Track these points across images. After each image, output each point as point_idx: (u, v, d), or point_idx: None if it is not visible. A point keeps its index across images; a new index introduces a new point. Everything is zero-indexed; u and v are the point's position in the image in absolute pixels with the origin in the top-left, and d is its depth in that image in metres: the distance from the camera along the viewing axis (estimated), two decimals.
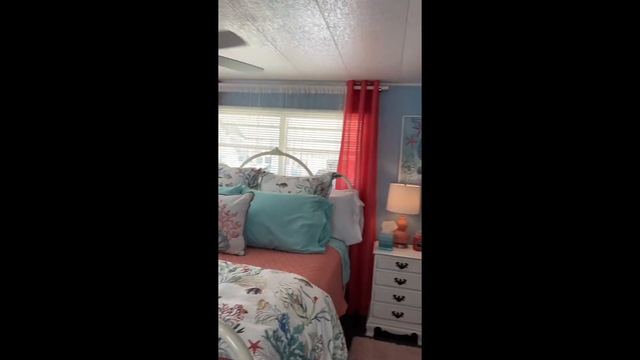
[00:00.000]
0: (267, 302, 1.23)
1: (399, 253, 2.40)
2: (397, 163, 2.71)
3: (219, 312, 1.14)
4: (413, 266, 2.35)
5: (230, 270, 1.53)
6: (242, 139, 3.15)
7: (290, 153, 2.94)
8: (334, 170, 2.84)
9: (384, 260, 2.39)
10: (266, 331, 1.07)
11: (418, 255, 2.38)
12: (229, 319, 1.10)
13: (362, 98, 2.60)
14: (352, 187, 2.68)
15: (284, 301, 1.28)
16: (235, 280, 1.42)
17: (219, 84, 2.99)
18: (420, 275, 2.34)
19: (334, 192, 2.58)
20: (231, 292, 1.29)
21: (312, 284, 1.52)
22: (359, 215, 2.56)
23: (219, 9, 1.60)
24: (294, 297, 1.35)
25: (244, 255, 1.96)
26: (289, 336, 1.15)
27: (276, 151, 2.87)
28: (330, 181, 2.48)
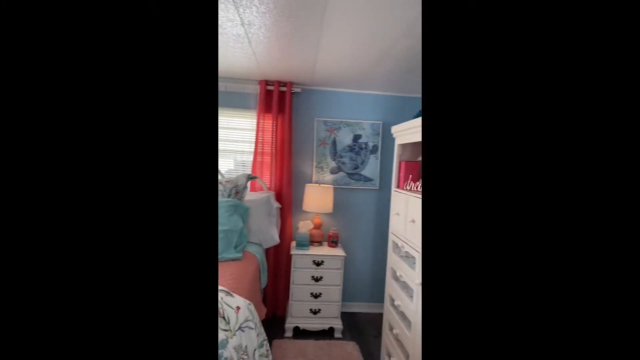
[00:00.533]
0: None
1: (315, 251, 2.47)
2: (311, 164, 2.79)
3: None
4: (328, 263, 2.45)
5: None
6: None
7: None
8: (245, 171, 2.74)
9: (301, 259, 2.43)
10: None
11: (333, 251, 2.49)
12: None
13: (275, 99, 2.58)
14: (268, 189, 2.64)
15: None
16: None
17: None
18: (336, 271, 2.46)
19: (249, 195, 2.49)
20: None
21: (232, 293, 1.44)
22: (276, 217, 2.54)
23: None
24: None
25: None
26: None
27: None
28: (246, 183, 2.40)
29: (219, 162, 2.78)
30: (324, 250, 2.50)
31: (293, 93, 2.66)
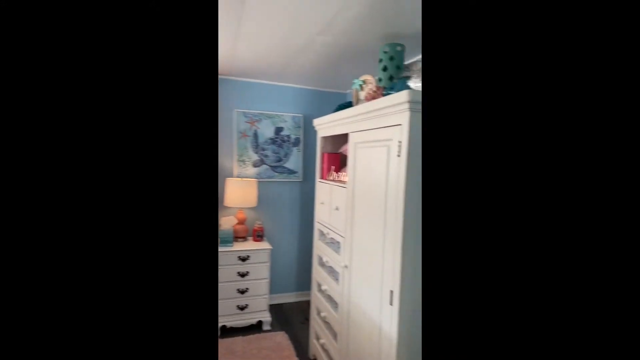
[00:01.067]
0: None
1: (240, 247, 2.41)
2: (232, 157, 2.69)
3: None
4: (254, 257, 2.42)
5: None
6: None
7: None
8: None
9: (226, 256, 2.35)
10: None
11: (258, 245, 2.47)
12: None
13: None
14: None
15: None
16: None
17: None
18: (263, 265, 2.45)
19: None
20: None
21: None
22: None
23: None
24: None
25: None
26: None
27: None
28: None
29: None
30: (249, 245, 2.46)
31: None
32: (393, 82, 1.56)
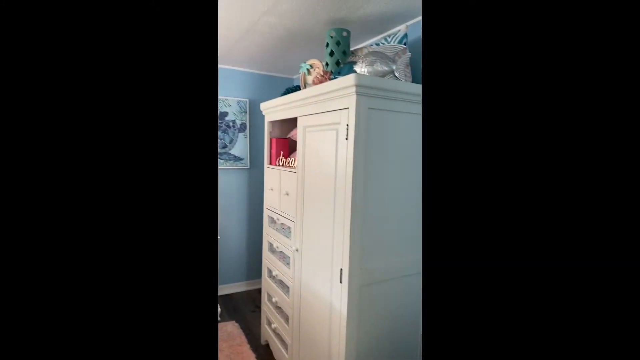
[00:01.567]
0: None
1: None
2: None
3: None
4: None
5: None
6: None
7: None
8: None
9: None
10: None
11: None
12: None
13: None
14: None
15: None
16: None
17: None
18: None
19: None
20: None
21: None
22: None
23: None
24: None
25: None
26: None
27: None
28: None
29: None
30: None
31: None
32: (340, 67, 1.58)
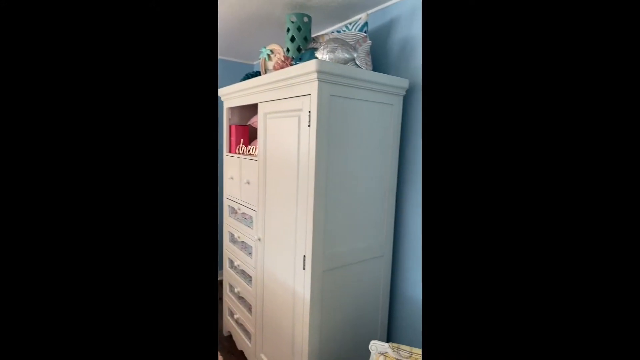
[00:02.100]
0: None
1: None
2: None
3: None
4: None
5: None
6: None
7: None
8: None
9: None
10: None
11: None
12: None
13: None
14: None
15: None
16: None
17: None
18: None
19: None
20: None
21: None
22: None
23: None
24: None
25: None
26: None
27: None
28: None
29: None
30: None
31: None
32: (301, 53, 1.56)
